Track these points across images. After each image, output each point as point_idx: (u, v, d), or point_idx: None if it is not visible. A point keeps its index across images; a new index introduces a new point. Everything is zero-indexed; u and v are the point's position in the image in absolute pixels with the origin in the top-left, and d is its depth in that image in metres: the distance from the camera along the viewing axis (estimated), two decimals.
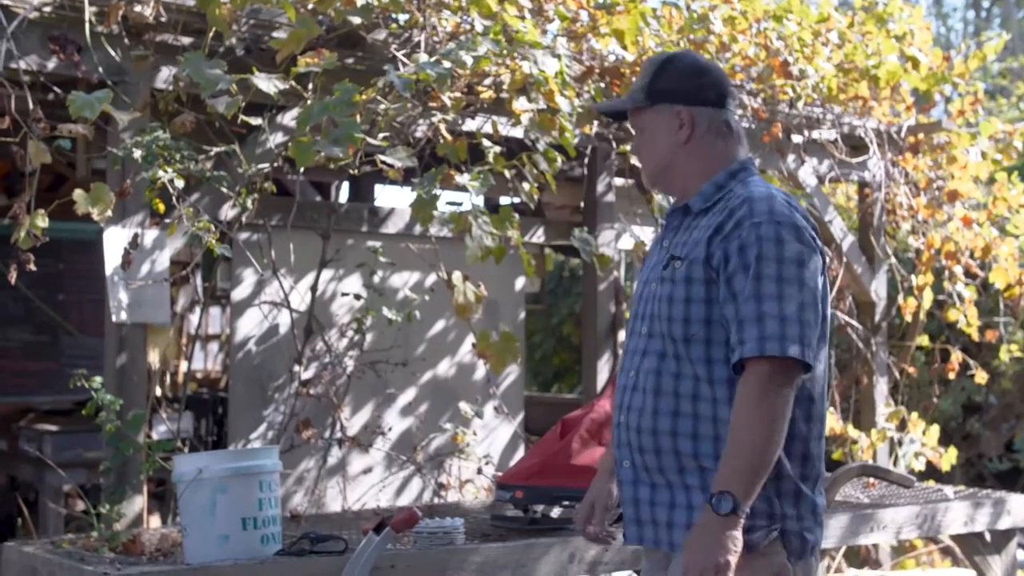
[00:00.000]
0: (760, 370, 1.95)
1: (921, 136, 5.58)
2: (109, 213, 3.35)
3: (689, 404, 2.05)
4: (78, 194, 3.33)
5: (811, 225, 2.09)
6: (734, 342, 1.99)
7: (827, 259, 2.15)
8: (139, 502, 3.59)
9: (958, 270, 5.61)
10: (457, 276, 3.85)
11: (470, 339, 4.16)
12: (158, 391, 5.64)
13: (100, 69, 3.53)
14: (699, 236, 2.08)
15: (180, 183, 3.41)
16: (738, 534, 1.94)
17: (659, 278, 2.12)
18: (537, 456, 3.30)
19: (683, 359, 2.06)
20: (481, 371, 4.71)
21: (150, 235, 3.65)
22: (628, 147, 4.28)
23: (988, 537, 4.30)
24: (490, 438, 4.76)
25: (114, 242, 3.58)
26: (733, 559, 1.93)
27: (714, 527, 1.94)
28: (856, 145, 5.44)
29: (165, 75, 3.70)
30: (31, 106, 3.30)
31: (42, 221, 3.25)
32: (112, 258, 3.57)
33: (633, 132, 2.24)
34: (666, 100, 2.14)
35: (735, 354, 1.99)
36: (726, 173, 2.14)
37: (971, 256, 5.67)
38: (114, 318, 3.59)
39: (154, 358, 5.29)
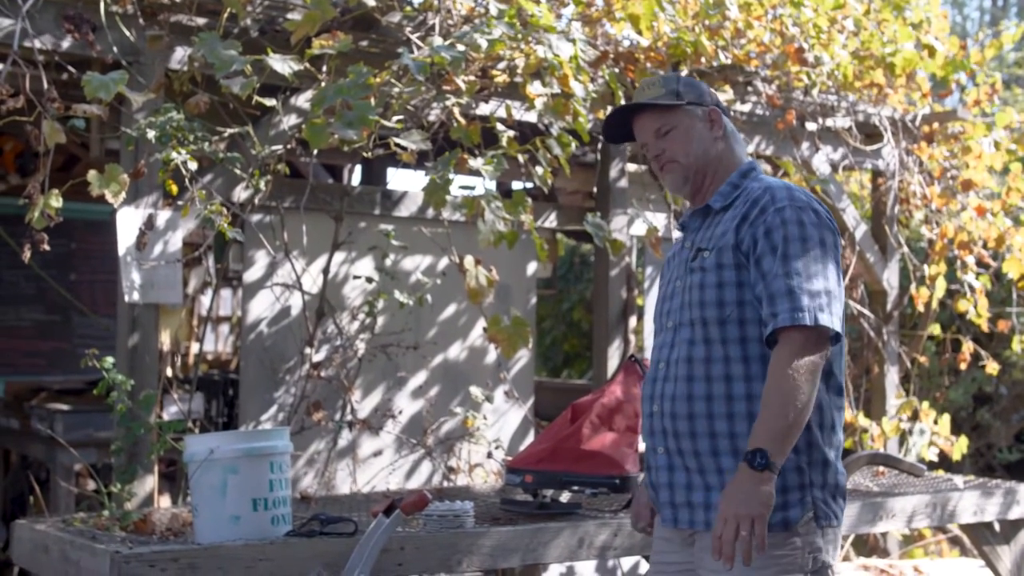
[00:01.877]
0: (793, 338, 2.06)
1: (936, 125, 5.54)
2: (123, 194, 3.35)
3: (722, 386, 2.16)
4: (92, 175, 3.33)
5: (826, 211, 2.23)
6: (766, 316, 2.12)
7: (841, 244, 2.23)
8: (150, 482, 3.60)
9: (971, 260, 5.58)
10: (469, 260, 3.85)
11: (481, 323, 4.16)
12: (169, 372, 5.67)
13: (115, 49, 3.52)
14: (725, 227, 2.20)
15: (193, 164, 3.41)
16: (771, 489, 2.03)
17: (687, 270, 2.24)
18: (547, 441, 3.29)
19: (713, 342, 2.17)
20: (492, 356, 4.71)
21: (163, 216, 3.65)
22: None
23: (997, 527, 4.28)
24: (500, 423, 4.76)
25: (127, 223, 3.58)
26: (766, 512, 2.03)
27: (749, 481, 2.03)
28: (870, 133, 5.41)
29: (180, 55, 3.69)
30: (45, 86, 3.30)
31: (56, 201, 3.25)
32: (125, 239, 3.57)
33: (651, 135, 2.31)
34: (693, 102, 2.29)
35: (768, 328, 2.11)
36: (739, 173, 2.29)
37: (984, 246, 5.64)
38: (126, 298, 3.59)
39: (166, 339, 5.31)
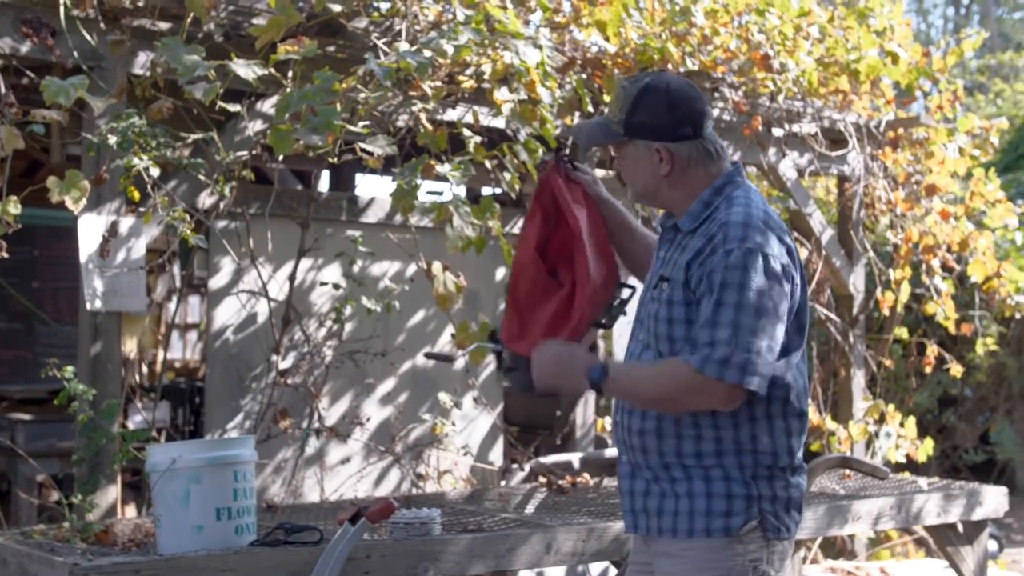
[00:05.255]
0: (695, 377, 2.08)
1: (900, 131, 5.59)
2: (84, 201, 3.30)
3: (672, 424, 2.17)
4: (51, 181, 3.28)
5: (788, 246, 2.15)
6: (689, 351, 2.13)
7: (798, 276, 2.18)
8: (113, 492, 3.55)
9: (935, 264, 5.63)
10: (437, 266, 3.83)
11: (450, 330, 4.14)
12: (136, 379, 5.60)
13: (75, 54, 3.47)
14: (682, 259, 2.17)
15: (156, 171, 3.36)
16: (579, 387, 2.18)
17: (650, 293, 2.24)
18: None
19: None
20: (460, 361, 4.68)
21: (126, 223, 3.60)
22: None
23: (961, 528, 4.31)
24: (469, 429, 4.74)
25: (89, 230, 3.53)
26: (560, 384, 2.19)
27: (577, 360, 2.17)
28: (836, 139, 5.44)
29: (142, 60, 3.64)
30: (3, 90, 3.24)
31: (14, 208, 3.19)
32: (87, 246, 3.52)
33: (613, 152, 2.29)
34: (644, 136, 2.19)
35: (691, 359, 2.11)
36: (712, 190, 2.21)
37: (948, 250, 5.69)
38: (88, 306, 3.54)
39: (130, 347, 5.24)
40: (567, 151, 2.37)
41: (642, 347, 2.24)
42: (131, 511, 4.59)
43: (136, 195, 3.51)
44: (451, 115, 4.14)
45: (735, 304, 2.04)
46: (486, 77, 3.79)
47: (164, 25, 3.63)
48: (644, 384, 2.16)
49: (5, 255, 3.22)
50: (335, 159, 3.65)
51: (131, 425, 4.63)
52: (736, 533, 2.12)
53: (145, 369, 6.05)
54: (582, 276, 2.35)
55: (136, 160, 3.27)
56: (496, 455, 4.83)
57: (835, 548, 5.59)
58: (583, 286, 2.34)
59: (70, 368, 3.19)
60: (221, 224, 4.07)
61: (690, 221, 2.19)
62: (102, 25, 3.53)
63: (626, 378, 2.17)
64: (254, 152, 3.85)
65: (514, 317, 2.41)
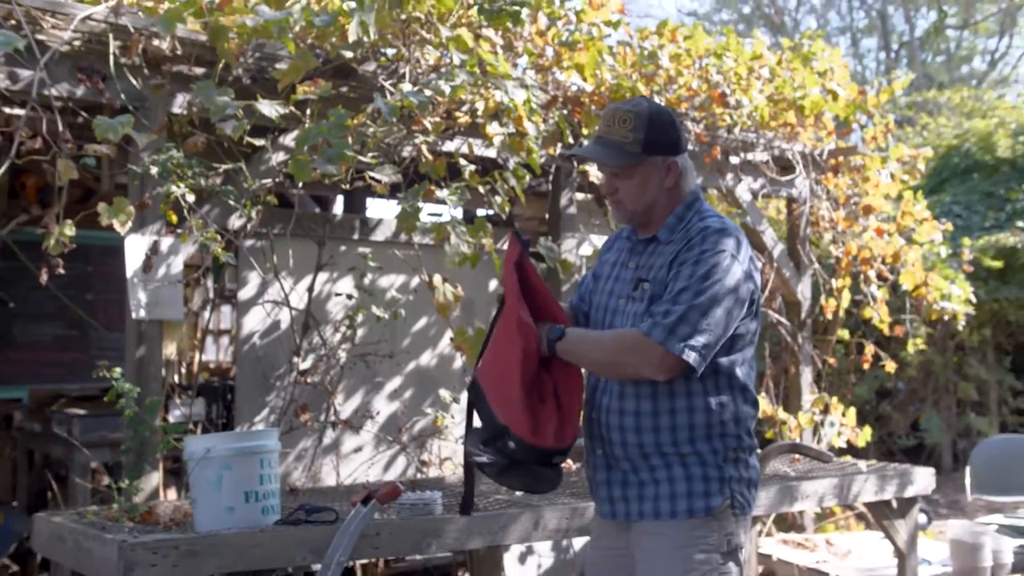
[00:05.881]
0: (641, 340, 2.03)
1: (840, 158, 5.62)
2: (129, 223, 3.30)
3: (649, 402, 2.11)
4: (101, 207, 3.28)
5: (752, 265, 2.14)
6: (645, 318, 2.08)
7: (759, 280, 2.17)
8: (155, 478, 3.54)
9: (872, 274, 5.66)
10: (438, 279, 3.83)
11: (449, 334, 4.14)
12: (175, 379, 5.59)
13: (122, 96, 3.48)
14: (663, 261, 2.14)
15: (191, 197, 3.36)
16: (532, 347, 2.12)
17: (629, 296, 2.17)
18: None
19: None
20: (459, 362, 4.68)
21: (166, 242, 3.60)
22: (587, 167, 4.26)
23: (895, 504, 4.32)
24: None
25: (134, 248, 3.53)
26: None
27: (543, 332, 2.13)
28: (785, 166, 5.47)
29: (180, 101, 3.65)
30: (60, 128, 3.25)
31: (70, 230, 3.20)
32: (132, 262, 3.52)
33: (607, 171, 2.17)
34: (659, 152, 2.16)
35: (641, 325, 2.07)
36: (684, 206, 2.20)
37: (883, 262, 5.72)
38: (134, 315, 3.53)
39: (170, 350, 5.23)
40: (527, 238, 2.29)
41: None
42: (172, 494, 4.57)
43: (174, 218, 3.52)
44: (449, 146, 4.15)
45: (696, 291, 2.02)
46: (479, 113, 3.80)
47: (199, 70, 3.64)
48: (590, 346, 2.12)
49: (63, 271, 3.23)
50: (348, 185, 3.66)
51: (171, 419, 4.61)
52: (715, 511, 2.09)
53: (183, 370, 6.03)
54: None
55: (174, 188, 3.27)
56: None
57: (786, 523, 5.59)
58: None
59: (118, 369, 3.19)
60: (248, 243, 4.07)
61: (668, 232, 2.18)
62: (145, 71, 3.54)
63: (576, 340, 2.13)
64: (277, 180, 3.85)
65: (526, 409, 2.13)
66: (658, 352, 2.01)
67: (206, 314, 6.26)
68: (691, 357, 2.02)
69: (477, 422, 2.22)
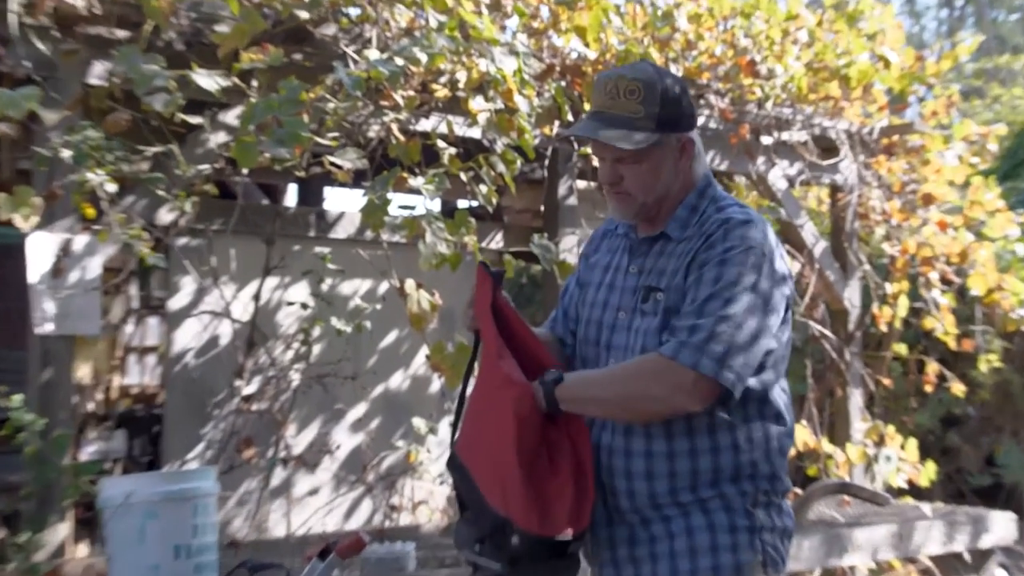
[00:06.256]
0: (671, 363, 1.96)
1: (894, 138, 5.66)
2: (35, 218, 3.29)
3: (663, 442, 2.05)
4: (0, 197, 3.27)
5: (781, 255, 2.10)
6: (665, 337, 2.01)
7: (790, 293, 2.14)
8: (63, 530, 3.52)
9: (934, 276, 5.69)
10: (410, 284, 3.84)
11: (424, 351, 4.14)
12: (90, 407, 5.56)
13: (26, 63, 3.47)
14: (677, 264, 2.06)
15: (112, 186, 3.36)
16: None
17: (634, 309, 2.10)
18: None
19: None
20: (436, 385, 4.69)
21: (80, 241, 3.60)
22: (590, 149, 4.28)
23: (967, 557, 4.35)
24: (445, 456, 4.74)
25: (39, 248, 3.52)
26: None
27: (538, 381, 2.02)
28: (827, 147, 5.50)
29: (98, 70, 3.64)
30: None
31: None
32: (37, 265, 3.50)
33: (609, 157, 2.09)
34: (675, 129, 2.10)
35: (661, 347, 2.00)
36: (696, 193, 2.14)
37: (947, 262, 5.76)
38: (38, 329, 3.52)
39: (84, 372, 5.21)
40: (498, 270, 2.17)
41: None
42: (83, 550, 4.55)
43: (91, 212, 3.51)
44: (424, 125, 4.16)
45: (725, 299, 1.96)
46: (461, 86, 3.81)
47: (121, 33, 3.64)
48: (599, 384, 2.01)
49: None
50: (302, 172, 3.66)
51: (83, 457, 4.59)
52: (744, 569, 2.01)
53: (99, 396, 6.01)
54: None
55: (91, 175, 3.27)
56: None
57: None
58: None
59: (18, 396, 3.18)
60: (181, 241, 4.07)
61: (680, 228, 2.10)
62: (56, 33, 3.54)
63: (578, 382, 2.02)
64: (216, 166, 3.85)
65: (528, 490, 1.99)
66: (689, 377, 1.95)
67: (129, 328, 6.24)
68: (728, 380, 1.97)
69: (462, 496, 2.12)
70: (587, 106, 4.30)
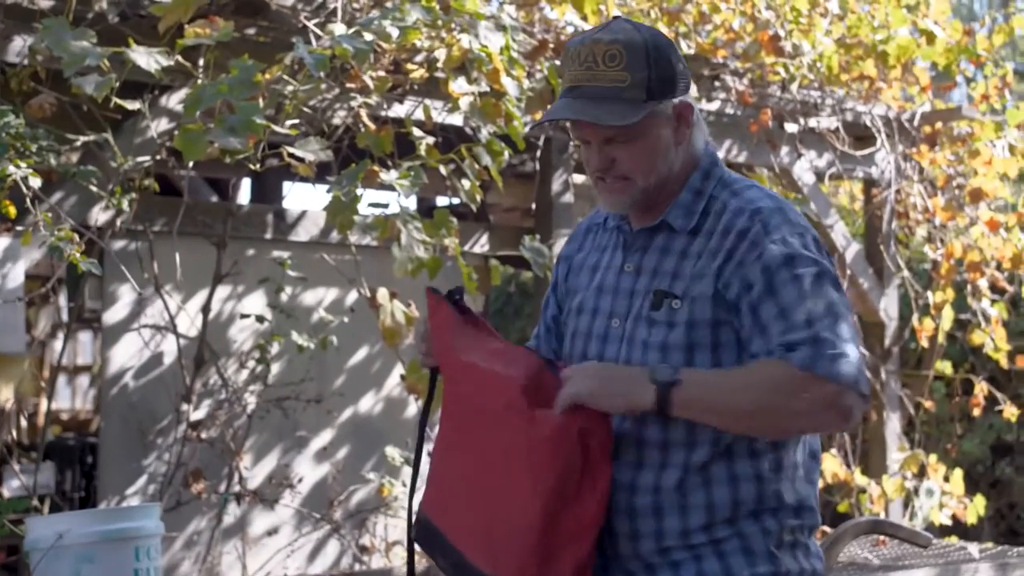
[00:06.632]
0: (810, 376, 1.90)
1: (938, 125, 5.68)
2: None
3: (675, 472, 1.98)
4: None
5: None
6: (757, 349, 1.95)
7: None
8: None
9: (983, 284, 5.71)
10: (383, 294, 3.84)
11: (399, 370, 4.14)
12: (12, 435, 5.55)
13: None
14: (700, 267, 2.00)
15: (37, 181, 3.35)
16: (638, 399, 1.91)
17: (638, 317, 2.03)
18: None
19: (674, 419, 1.96)
20: (412, 409, 4.69)
21: (0, 244, 3.60)
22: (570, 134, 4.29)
23: None
24: (422, 489, 4.74)
25: None
26: (612, 402, 1.92)
27: (635, 376, 1.92)
28: (861, 135, 5.52)
29: (18, 46, 3.64)
30: None
31: None
32: None
33: (598, 138, 2.02)
34: (666, 95, 2.00)
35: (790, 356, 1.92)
36: (701, 174, 2.08)
37: (998, 267, 5.77)
38: None
39: (6, 395, 5.20)
40: (454, 291, 2.11)
41: None
42: None
43: (12, 211, 3.50)
44: (398, 111, 4.17)
45: (818, 295, 1.93)
46: (439, 65, 3.82)
47: (45, 3, 3.63)
48: (729, 388, 1.93)
49: None
50: (257, 165, 3.66)
51: (6, 492, 4.58)
52: None
53: (24, 423, 6.00)
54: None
55: (12, 168, 3.26)
56: None
57: None
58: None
59: None
60: (118, 245, 4.06)
61: (684, 215, 2.04)
62: None
63: (702, 385, 1.93)
64: (158, 157, 3.85)
65: (541, 539, 1.88)
66: (831, 390, 1.90)
67: (57, 344, 6.24)
68: (865, 387, 1.94)
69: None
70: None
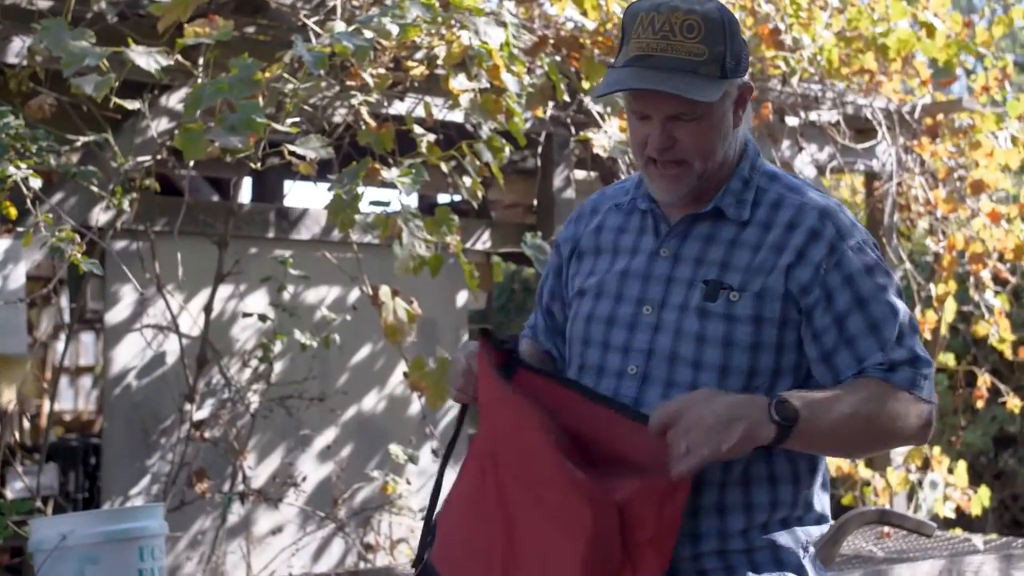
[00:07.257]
0: (906, 396, 1.87)
1: (939, 117, 5.67)
2: None
3: (716, 471, 1.86)
4: None
5: None
6: (845, 362, 1.89)
7: None
8: None
9: (985, 275, 5.70)
10: (385, 291, 3.84)
11: (402, 367, 4.14)
12: (16, 437, 5.55)
13: None
14: (761, 260, 1.89)
15: (37, 181, 3.34)
16: (758, 434, 1.74)
17: (685, 307, 1.90)
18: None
19: None
20: (416, 406, 4.69)
21: (1, 245, 3.59)
22: (590, 133, 4.29)
23: None
24: (427, 487, 4.73)
25: None
26: (731, 451, 1.73)
27: (755, 418, 1.74)
28: (862, 128, 5.52)
29: (17, 47, 3.64)
30: None
31: None
32: None
33: (663, 115, 1.88)
34: (738, 74, 1.90)
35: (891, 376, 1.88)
36: (749, 163, 1.97)
37: (1001, 259, 5.77)
38: None
39: (9, 397, 5.20)
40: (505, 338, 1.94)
41: (639, 382, 1.88)
42: None
43: (13, 212, 3.49)
44: (398, 108, 4.16)
45: (903, 309, 1.91)
46: (440, 62, 3.82)
47: (44, 3, 3.63)
48: (842, 417, 1.81)
49: None
50: (258, 164, 3.66)
51: (10, 494, 4.58)
52: None
53: (27, 424, 6.00)
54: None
55: (12, 169, 3.25)
56: None
57: None
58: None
59: None
60: (119, 245, 4.06)
61: (738, 205, 1.93)
62: None
63: (815, 419, 1.79)
64: (159, 157, 3.85)
65: None
66: (927, 409, 1.90)
67: (59, 345, 6.24)
68: (935, 404, 1.95)
69: None
70: (586, 84, 4.30)
